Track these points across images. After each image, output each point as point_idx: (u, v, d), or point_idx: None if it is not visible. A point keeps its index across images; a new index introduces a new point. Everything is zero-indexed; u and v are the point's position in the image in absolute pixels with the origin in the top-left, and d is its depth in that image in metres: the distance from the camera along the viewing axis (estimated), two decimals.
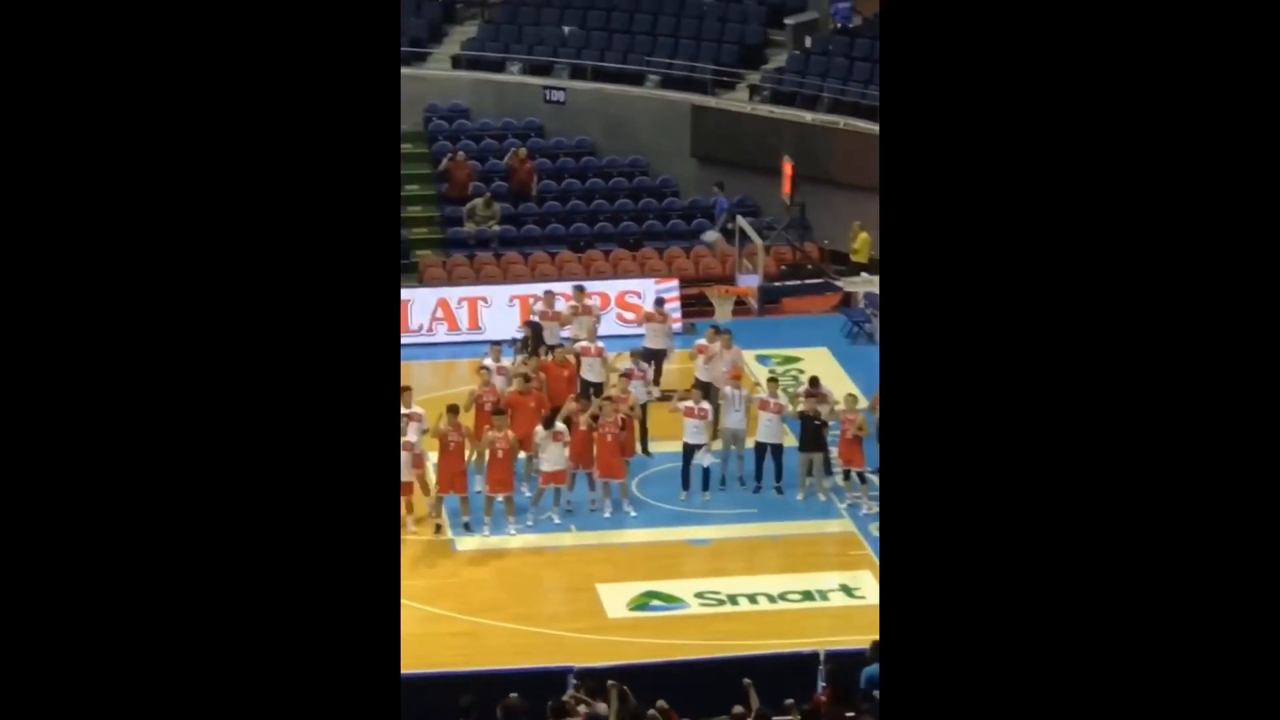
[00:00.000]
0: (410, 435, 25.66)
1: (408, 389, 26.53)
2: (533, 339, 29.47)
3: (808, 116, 36.75)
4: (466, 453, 26.25)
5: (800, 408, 27.13)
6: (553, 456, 26.10)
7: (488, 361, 28.10)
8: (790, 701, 18.76)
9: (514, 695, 18.37)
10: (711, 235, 36.18)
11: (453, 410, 26.25)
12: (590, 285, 32.15)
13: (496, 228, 36.43)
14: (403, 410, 25.89)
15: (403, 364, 31.46)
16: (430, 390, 29.03)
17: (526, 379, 27.40)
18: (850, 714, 18.69)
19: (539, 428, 26.12)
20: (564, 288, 32.49)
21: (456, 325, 33.19)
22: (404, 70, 38.93)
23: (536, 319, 30.39)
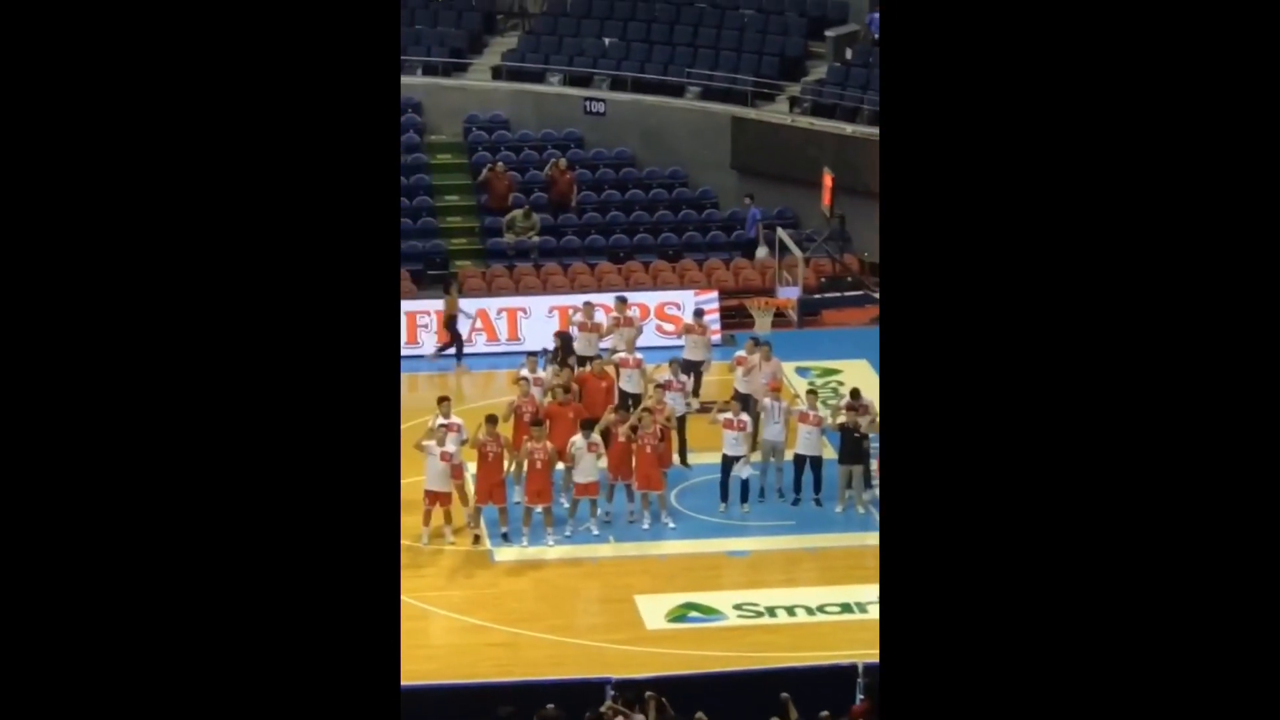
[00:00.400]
0: (449, 446, 25.69)
1: (446, 399, 26.61)
2: (562, 350, 29.42)
3: (848, 128, 36.65)
4: (505, 463, 26.22)
5: (840, 420, 27.07)
6: (587, 468, 26.07)
7: (525, 372, 28.05)
8: (826, 714, 18.67)
9: (551, 706, 18.32)
10: (763, 251, 36.09)
11: (491, 420, 26.25)
12: (630, 296, 32.06)
13: (536, 239, 36.42)
14: (441, 420, 25.98)
15: (440, 374, 31.80)
16: (469, 401, 29.04)
17: (565, 390, 27.39)
18: None
19: (575, 438, 26.09)
20: (604, 299, 32.48)
21: (496, 336, 33.17)
22: (444, 81, 39.21)
23: (574, 329, 30.36)
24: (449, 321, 31.72)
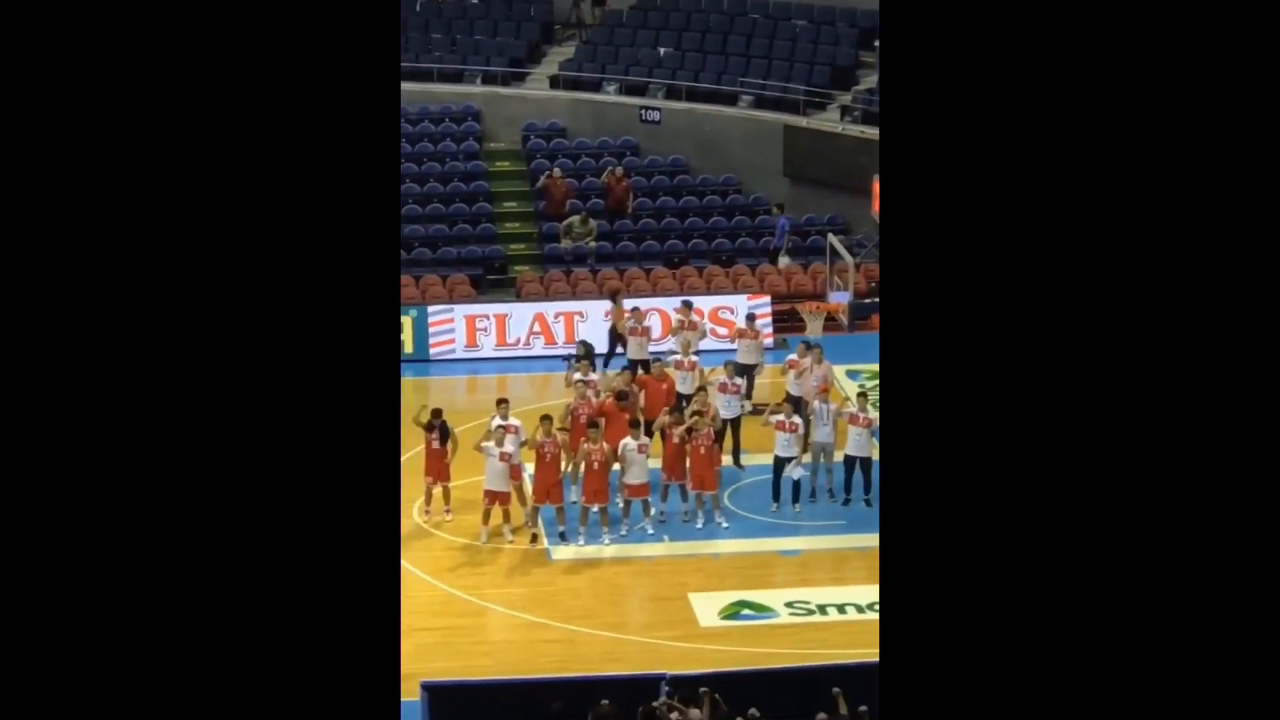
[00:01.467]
0: (508, 446, 25.76)
1: (505, 401, 26.71)
2: (585, 357, 29.57)
3: None
4: (562, 464, 26.28)
5: None
6: (637, 470, 26.13)
7: (578, 376, 28.14)
8: (864, 709, 18.71)
9: (606, 701, 18.39)
10: (785, 260, 36.26)
11: (546, 420, 26.28)
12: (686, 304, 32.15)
13: (593, 244, 36.53)
14: (500, 422, 26.09)
15: (500, 377, 31.92)
16: (527, 402, 29.08)
17: (622, 395, 27.49)
18: None
19: (626, 440, 26.15)
20: (659, 303, 32.63)
21: (553, 339, 33.25)
22: (503, 90, 39.36)
23: (628, 331, 30.54)
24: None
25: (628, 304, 32.42)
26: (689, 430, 26.30)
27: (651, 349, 30.69)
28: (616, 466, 26.31)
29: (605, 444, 26.08)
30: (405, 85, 39.49)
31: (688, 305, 31.46)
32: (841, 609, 24.54)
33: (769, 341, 31.78)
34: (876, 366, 31.22)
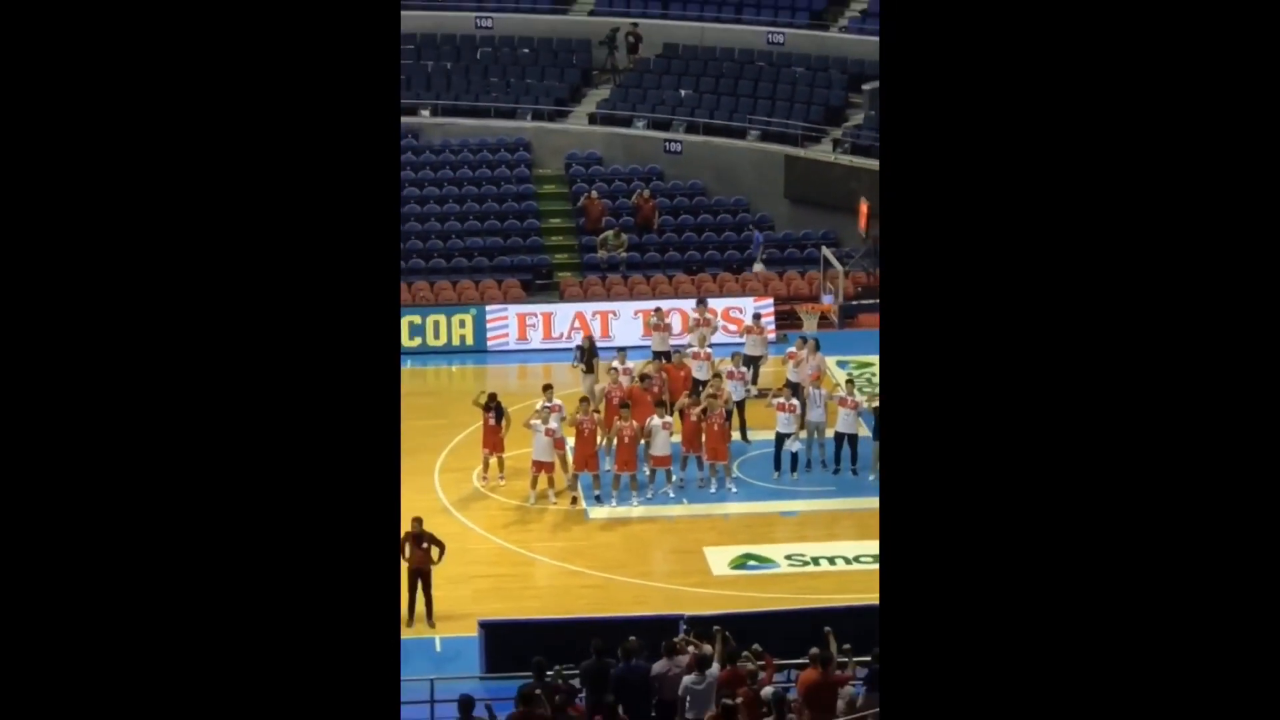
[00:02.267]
0: (552, 423, 25.77)
1: (549, 386, 26.71)
2: (588, 350, 29.59)
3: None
4: (598, 438, 26.27)
5: (874, 404, 26.99)
6: (661, 443, 26.14)
7: (616, 364, 28.16)
8: (848, 646, 18.61)
9: (633, 638, 18.30)
10: (758, 267, 36.10)
11: (584, 401, 26.34)
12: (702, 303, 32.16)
13: (624, 254, 36.43)
14: (545, 403, 26.08)
15: (545, 365, 31.86)
16: (568, 387, 28.99)
17: (645, 378, 27.57)
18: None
19: (652, 418, 26.20)
20: (678, 304, 32.62)
21: (592, 334, 33.16)
22: (549, 125, 39.32)
23: (652, 329, 30.68)
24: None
25: (652, 304, 32.49)
26: (704, 410, 26.32)
27: (673, 342, 30.73)
28: (644, 441, 26.30)
29: (634, 422, 26.08)
30: (467, 121, 39.53)
31: (703, 304, 31.49)
32: (832, 560, 24.51)
33: (771, 336, 31.63)
34: (862, 357, 31.20)
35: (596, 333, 32.78)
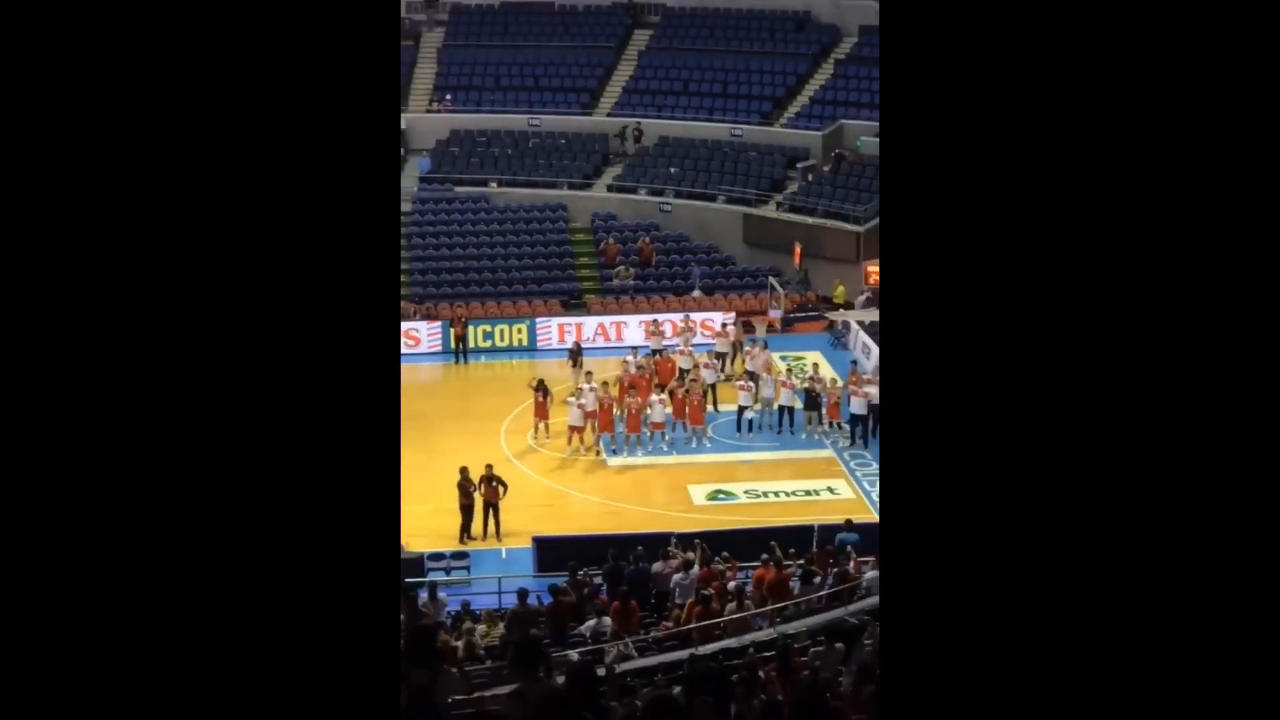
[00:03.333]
0: (583, 400, 25.87)
1: (590, 373, 26.92)
2: (576, 352, 29.48)
3: (809, 220, 36.44)
4: (615, 410, 26.27)
5: (805, 386, 27.00)
6: (659, 415, 26.18)
7: (628, 358, 28.14)
8: (792, 551, 18.63)
9: (640, 548, 18.32)
10: (696, 292, 35.38)
11: (604, 384, 26.46)
12: (689, 315, 32.26)
13: (631, 281, 36.37)
14: (587, 385, 26.36)
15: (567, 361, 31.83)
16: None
17: (640, 367, 27.75)
18: (831, 562, 18.53)
19: (652, 397, 26.27)
20: (670, 317, 32.62)
21: (609, 338, 33.19)
22: (579, 193, 39.17)
23: (646, 334, 30.81)
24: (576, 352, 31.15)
25: (651, 317, 32.37)
26: (687, 391, 26.37)
27: (664, 343, 30.72)
28: (646, 412, 26.30)
29: (639, 399, 26.11)
30: (522, 190, 39.37)
31: (688, 317, 31.58)
32: (777, 495, 24.47)
33: (733, 338, 31.63)
34: (797, 353, 31.16)
35: (613, 337, 32.85)
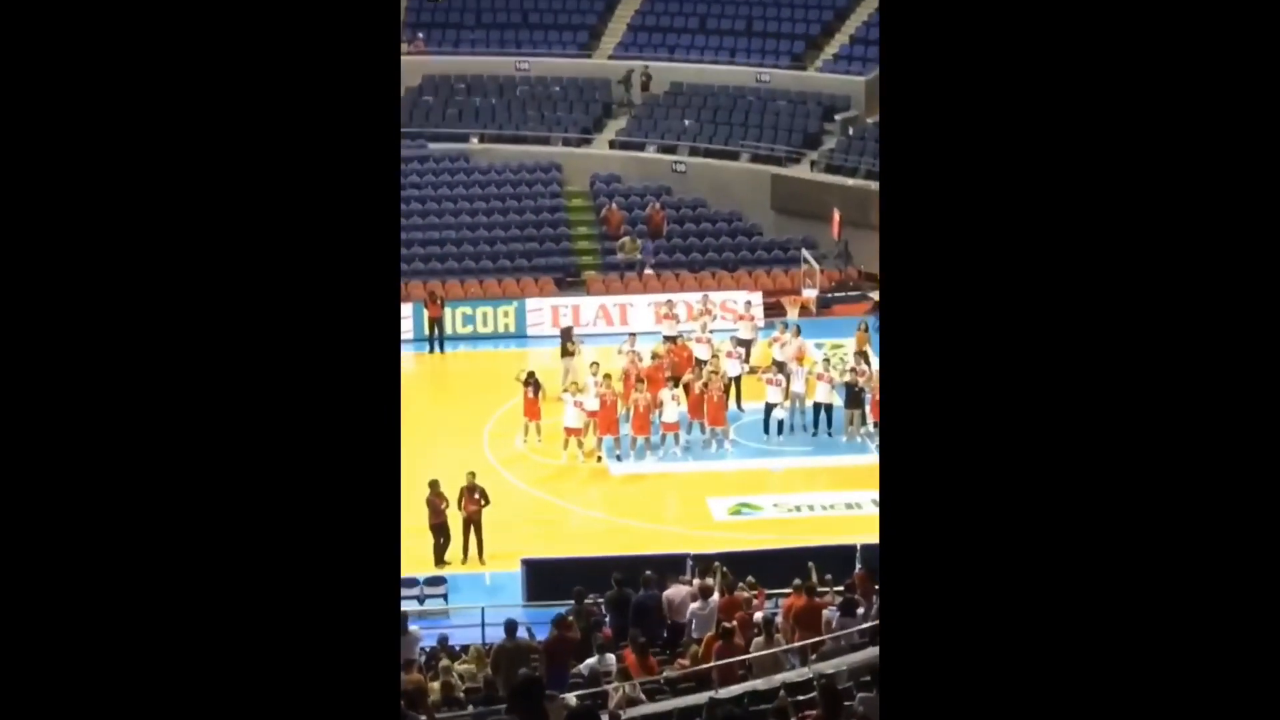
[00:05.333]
0: (579, 398, 25.89)
1: (596, 363, 26.88)
2: (567, 337, 29.55)
3: (849, 182, 36.43)
4: (620, 407, 26.25)
5: (846, 379, 26.98)
6: (670, 412, 26.17)
7: (623, 347, 28.08)
8: (829, 576, 18.61)
9: (649, 571, 18.30)
10: (649, 271, 35.30)
11: (606, 378, 26.32)
12: (705, 296, 32.26)
13: (639, 256, 36.38)
14: (591, 376, 26.32)
15: (596, 349, 31.90)
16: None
17: (655, 356, 27.63)
18: (877, 587, 18.49)
19: (663, 391, 26.22)
20: (685, 298, 32.59)
21: (612, 322, 33.21)
22: (577, 150, 39.24)
23: (660, 317, 30.87)
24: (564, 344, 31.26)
25: (663, 297, 32.40)
26: (706, 384, 26.35)
27: (680, 328, 30.68)
28: (656, 410, 26.30)
29: (649, 394, 26.07)
30: (509, 147, 39.50)
31: (705, 298, 31.50)
32: (811, 508, 24.52)
33: (760, 323, 31.64)
34: (836, 340, 31.17)
35: (616, 321, 32.84)
